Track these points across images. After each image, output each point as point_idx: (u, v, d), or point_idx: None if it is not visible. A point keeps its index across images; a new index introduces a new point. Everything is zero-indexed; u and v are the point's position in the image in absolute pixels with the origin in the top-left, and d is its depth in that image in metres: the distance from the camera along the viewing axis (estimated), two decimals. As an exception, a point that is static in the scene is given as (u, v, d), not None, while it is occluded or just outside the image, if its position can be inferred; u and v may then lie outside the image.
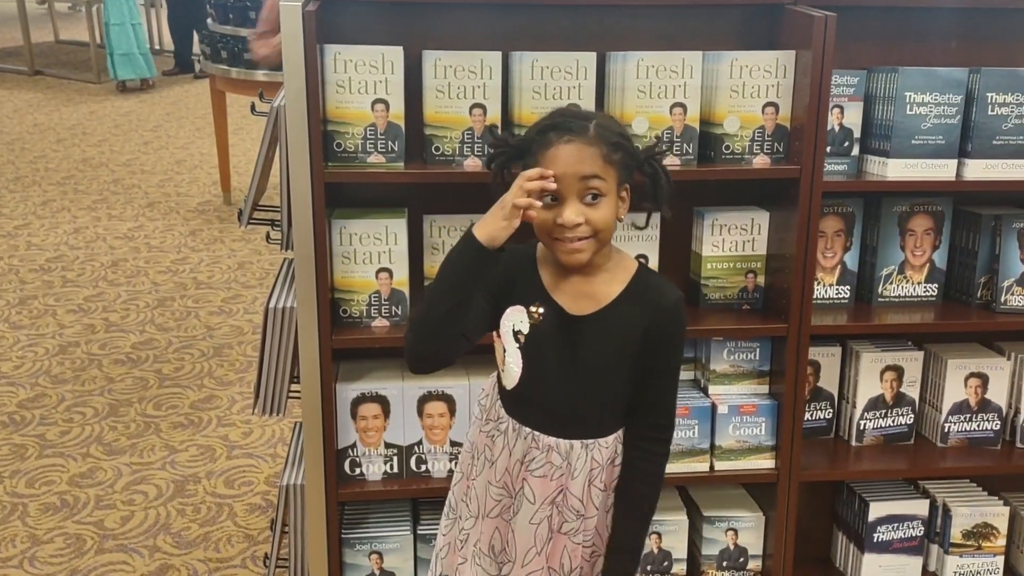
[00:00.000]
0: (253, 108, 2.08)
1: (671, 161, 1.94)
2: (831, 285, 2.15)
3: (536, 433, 1.58)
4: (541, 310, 1.55)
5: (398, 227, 1.96)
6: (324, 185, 1.84)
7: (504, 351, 1.59)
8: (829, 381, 2.24)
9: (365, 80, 1.86)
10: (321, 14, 1.81)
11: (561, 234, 1.47)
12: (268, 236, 2.16)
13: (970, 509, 2.28)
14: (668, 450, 1.62)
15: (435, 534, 2.08)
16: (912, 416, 2.25)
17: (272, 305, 1.99)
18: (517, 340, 1.56)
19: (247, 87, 5.11)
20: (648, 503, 1.62)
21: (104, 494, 2.85)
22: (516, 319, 1.56)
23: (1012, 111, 2.00)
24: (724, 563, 2.23)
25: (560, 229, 1.46)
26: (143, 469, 2.99)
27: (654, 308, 1.53)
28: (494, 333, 1.61)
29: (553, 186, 1.44)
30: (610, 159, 1.46)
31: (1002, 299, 2.13)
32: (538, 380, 1.57)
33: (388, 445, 2.04)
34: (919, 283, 2.18)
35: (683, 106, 1.94)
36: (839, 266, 2.15)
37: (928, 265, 2.17)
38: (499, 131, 1.58)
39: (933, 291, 2.18)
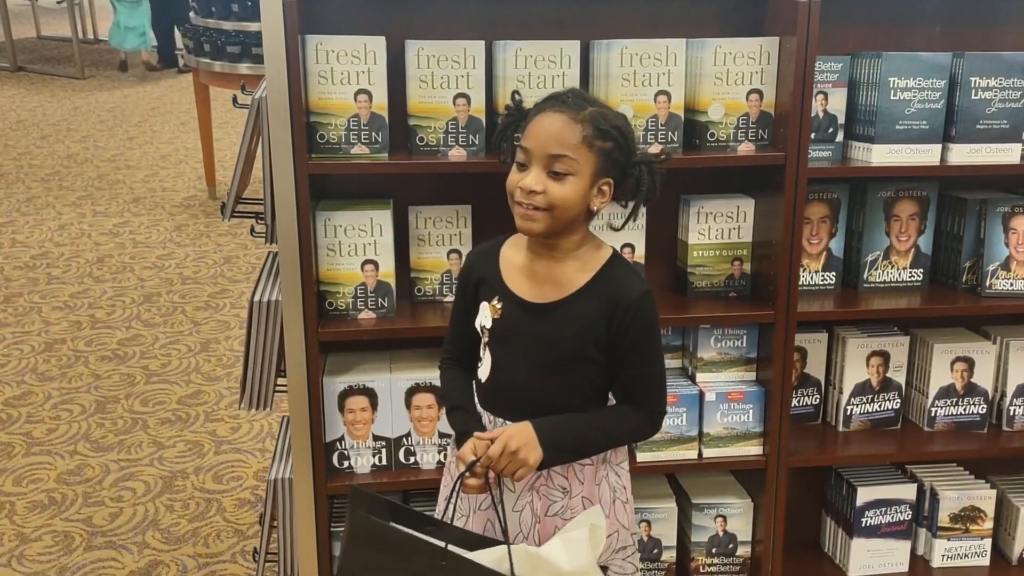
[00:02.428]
0: (235, 100, 2.06)
1: (656, 150, 1.94)
2: (817, 271, 2.15)
3: (509, 423, 1.58)
4: (499, 304, 1.57)
5: (383, 218, 1.95)
6: (308, 177, 1.83)
7: (483, 347, 1.63)
8: (816, 367, 2.24)
9: (348, 70, 1.84)
10: (302, 4, 1.80)
11: (518, 198, 1.49)
12: (252, 229, 2.15)
13: (957, 493, 2.29)
14: (651, 427, 1.62)
15: (425, 526, 2.09)
16: (899, 401, 2.26)
17: (257, 299, 1.98)
18: (483, 335, 1.60)
19: (231, 80, 5.09)
20: (612, 430, 1.59)
21: (92, 491, 2.84)
22: (482, 315, 1.60)
23: (995, 95, 2.00)
24: (713, 550, 2.23)
25: (519, 193, 1.49)
26: (131, 465, 2.98)
27: (615, 302, 1.53)
28: None
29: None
30: (591, 143, 1.47)
31: (987, 283, 2.14)
32: (506, 371, 1.59)
33: (376, 438, 2.03)
34: (904, 268, 2.18)
35: (667, 94, 1.94)
36: (825, 252, 2.15)
37: (913, 250, 2.18)
38: (519, 97, 1.61)
39: (919, 276, 2.19)
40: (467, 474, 1.52)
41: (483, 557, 1.48)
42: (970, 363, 2.22)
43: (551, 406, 1.56)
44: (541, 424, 1.53)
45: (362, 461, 2.04)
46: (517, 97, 1.61)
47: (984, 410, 2.25)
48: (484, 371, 1.63)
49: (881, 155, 2.00)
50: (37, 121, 7.94)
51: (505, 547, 1.48)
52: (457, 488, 1.54)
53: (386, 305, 1.98)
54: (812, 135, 1.98)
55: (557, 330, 1.54)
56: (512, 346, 1.58)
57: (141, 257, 4.91)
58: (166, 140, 7.38)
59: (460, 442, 1.60)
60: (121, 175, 6.43)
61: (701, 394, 2.11)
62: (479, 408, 1.65)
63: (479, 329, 1.61)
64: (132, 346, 3.85)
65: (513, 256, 1.61)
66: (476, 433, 1.56)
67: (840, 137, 2.05)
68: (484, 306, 1.60)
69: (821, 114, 2.02)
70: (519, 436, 1.51)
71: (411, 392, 2.02)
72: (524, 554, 1.50)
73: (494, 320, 1.58)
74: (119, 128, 7.75)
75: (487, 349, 1.61)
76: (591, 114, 1.48)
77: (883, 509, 2.27)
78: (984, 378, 2.23)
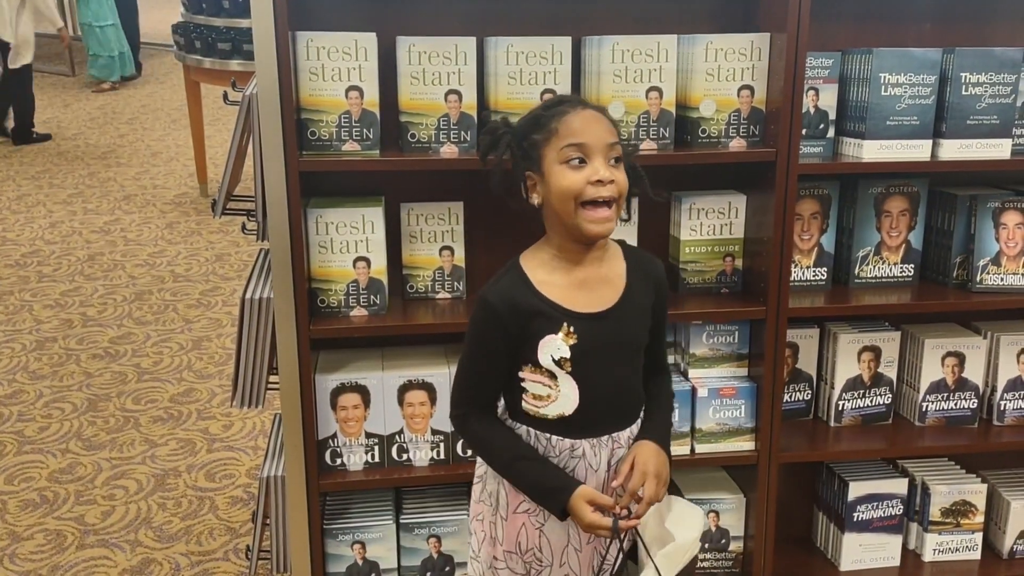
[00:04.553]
0: (226, 97, 2.05)
1: (648, 146, 1.94)
2: (808, 267, 2.16)
3: (615, 435, 1.58)
4: (572, 329, 1.51)
5: (375, 215, 1.95)
6: (299, 174, 1.83)
7: (550, 384, 1.54)
8: (807, 363, 2.25)
9: (338, 67, 1.84)
10: (292, 0, 1.79)
11: (593, 194, 1.44)
12: (244, 227, 2.14)
13: (948, 487, 2.30)
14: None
15: (418, 523, 2.09)
16: (890, 396, 2.27)
17: (248, 296, 1.98)
18: (563, 367, 1.51)
19: (222, 77, 5.08)
20: (671, 407, 1.72)
21: (84, 489, 2.83)
22: (552, 348, 1.51)
23: (986, 90, 2.01)
24: (706, 545, 2.24)
25: (593, 189, 1.44)
26: (123, 464, 2.97)
27: (655, 281, 1.61)
28: (529, 372, 1.54)
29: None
30: (618, 134, 1.52)
31: (978, 279, 2.14)
32: (599, 389, 1.54)
33: (369, 435, 2.03)
34: (895, 264, 2.19)
35: (659, 90, 1.94)
36: (816, 248, 2.15)
37: (904, 246, 2.18)
38: (491, 116, 1.61)
39: (909, 272, 2.20)
40: (610, 530, 1.48)
41: None
42: (961, 358, 2.23)
43: (635, 399, 1.62)
44: (655, 434, 1.58)
45: (355, 458, 2.04)
46: (499, 117, 1.64)
47: (975, 405, 2.26)
48: (568, 403, 1.53)
49: (872, 151, 2.00)
50: (27, 118, 7.90)
51: (648, 564, 1.51)
52: (620, 556, 1.55)
53: (378, 302, 1.98)
54: (803, 131, 1.99)
55: (630, 326, 1.57)
56: (597, 363, 1.53)
57: (132, 255, 4.89)
58: (157, 137, 7.36)
59: (554, 501, 1.51)
60: (112, 173, 6.41)
61: (693, 390, 2.11)
62: (567, 443, 1.55)
63: (555, 362, 1.51)
64: (124, 344, 3.84)
65: (547, 277, 1.54)
66: (609, 503, 1.51)
67: (831, 133, 2.05)
68: (551, 339, 1.50)
69: (812, 110, 2.03)
70: (648, 457, 1.54)
71: (403, 389, 2.02)
72: (664, 559, 1.50)
73: (571, 347, 1.51)
74: (110, 125, 7.72)
75: (568, 379, 1.52)
76: (602, 111, 1.54)
77: (874, 504, 2.28)
78: (975, 373, 2.24)
